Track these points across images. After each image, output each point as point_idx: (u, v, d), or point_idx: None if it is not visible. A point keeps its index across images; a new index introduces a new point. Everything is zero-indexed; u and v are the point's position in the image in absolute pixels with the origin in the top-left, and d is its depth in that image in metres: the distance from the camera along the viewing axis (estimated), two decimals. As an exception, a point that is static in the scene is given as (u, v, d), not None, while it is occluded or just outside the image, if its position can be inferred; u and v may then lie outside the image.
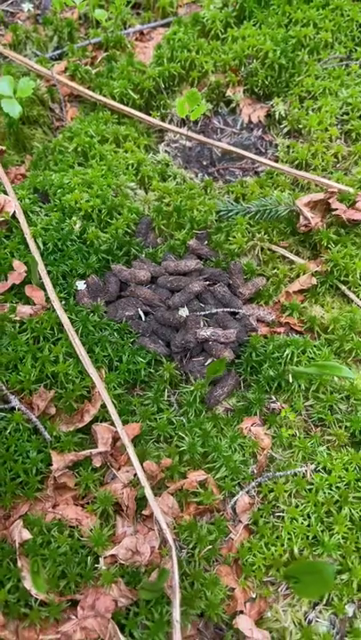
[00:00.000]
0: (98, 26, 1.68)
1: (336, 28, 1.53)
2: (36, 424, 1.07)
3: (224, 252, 1.30)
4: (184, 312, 1.18)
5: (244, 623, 0.94)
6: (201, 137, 1.42)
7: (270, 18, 1.55)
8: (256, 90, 1.54)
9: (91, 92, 1.48)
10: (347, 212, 1.21)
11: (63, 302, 1.16)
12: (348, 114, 1.45)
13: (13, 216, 1.22)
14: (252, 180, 1.42)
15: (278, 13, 1.55)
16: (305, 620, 0.96)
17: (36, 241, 1.20)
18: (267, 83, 1.52)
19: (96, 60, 1.61)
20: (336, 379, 1.13)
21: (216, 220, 1.33)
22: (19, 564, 0.95)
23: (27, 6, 1.69)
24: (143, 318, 1.20)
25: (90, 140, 1.37)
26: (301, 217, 1.26)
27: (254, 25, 1.56)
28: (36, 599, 0.93)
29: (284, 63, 1.49)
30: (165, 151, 1.51)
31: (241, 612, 0.96)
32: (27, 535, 0.97)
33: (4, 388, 1.09)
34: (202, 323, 1.19)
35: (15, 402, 1.08)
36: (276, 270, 1.28)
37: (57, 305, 1.13)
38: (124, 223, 1.28)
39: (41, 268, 1.16)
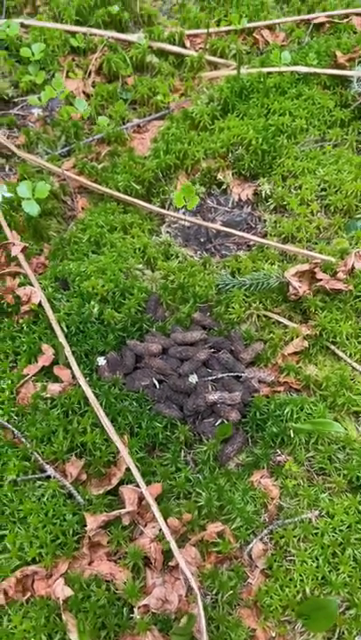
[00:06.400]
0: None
1: (310, 115, 1.74)
2: (70, 489, 1.21)
3: (225, 322, 1.46)
4: (193, 378, 1.34)
5: (266, 660, 1.06)
6: (196, 220, 1.61)
7: (251, 109, 1.77)
8: (243, 172, 1.74)
9: (98, 186, 1.68)
10: (329, 281, 1.38)
11: (87, 378, 1.32)
12: (325, 190, 1.64)
13: (39, 304, 1.39)
14: (245, 254, 1.60)
15: (258, 105, 1.77)
16: (320, 654, 1.08)
17: (60, 325, 1.37)
18: (252, 165, 1.72)
19: (100, 155, 1.82)
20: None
21: (216, 294, 1.50)
22: (64, 618, 1.08)
23: (36, 111, 1.92)
24: (158, 386, 1.36)
25: (101, 230, 1.56)
26: (290, 287, 1.43)
27: (237, 116, 1.78)
28: (81, 649, 1.05)
29: (266, 148, 1.70)
30: (167, 232, 1.70)
31: (263, 650, 1.08)
32: (68, 592, 1.10)
33: (40, 458, 1.24)
34: (210, 387, 1.35)
35: (50, 471, 1.23)
36: (272, 335, 1.44)
37: (82, 381, 1.29)
38: (136, 302, 1.45)
39: (66, 349, 1.33)
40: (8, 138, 1.91)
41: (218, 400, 1.31)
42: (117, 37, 2.01)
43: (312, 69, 1.75)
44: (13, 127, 1.96)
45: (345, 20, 1.90)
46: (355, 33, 1.88)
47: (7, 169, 1.86)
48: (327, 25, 1.92)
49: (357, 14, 1.89)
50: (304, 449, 1.27)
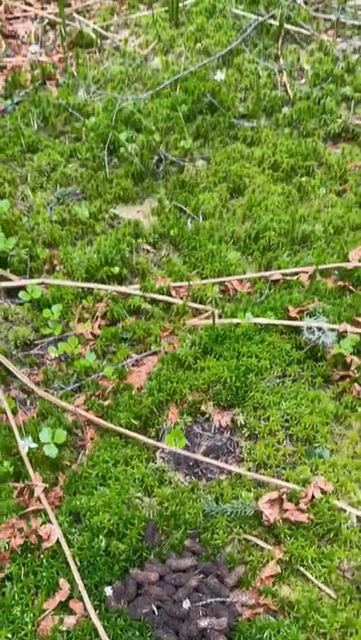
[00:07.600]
0: (104, 358, 2.35)
1: (272, 356, 2.19)
2: None
3: (211, 547, 1.75)
4: (187, 604, 1.59)
5: None
6: (183, 451, 1.97)
7: (225, 352, 2.22)
8: (222, 403, 2.14)
9: (104, 422, 2.07)
10: (294, 512, 1.70)
11: (97, 610, 1.57)
12: (288, 421, 2.02)
13: (57, 540, 1.69)
14: (227, 478, 1.93)
15: (230, 349, 2.23)
16: None
17: (74, 560, 1.65)
18: (228, 398, 2.12)
19: (106, 391, 2.23)
20: (305, 652, 1.50)
21: (203, 518, 1.81)
22: None
23: (53, 353, 2.38)
24: (156, 612, 1.61)
25: (107, 465, 1.91)
26: (263, 514, 1.74)
27: (215, 357, 2.22)
28: None
29: (238, 384, 2.11)
30: (161, 457, 2.04)
31: None
32: None
33: None
34: (201, 612, 1.60)
35: None
36: (251, 557, 1.72)
37: (92, 614, 1.55)
38: (136, 532, 1.74)
39: (79, 583, 1.60)
40: (29, 376, 2.34)
41: (207, 626, 1.55)
42: (118, 290, 2.55)
43: (271, 321, 2.24)
44: (34, 365, 2.40)
45: (295, 277, 2.44)
46: (303, 287, 2.41)
47: (28, 403, 2.27)
48: (281, 280, 2.46)
49: (304, 272, 2.43)
50: (283, 671, 1.49)
